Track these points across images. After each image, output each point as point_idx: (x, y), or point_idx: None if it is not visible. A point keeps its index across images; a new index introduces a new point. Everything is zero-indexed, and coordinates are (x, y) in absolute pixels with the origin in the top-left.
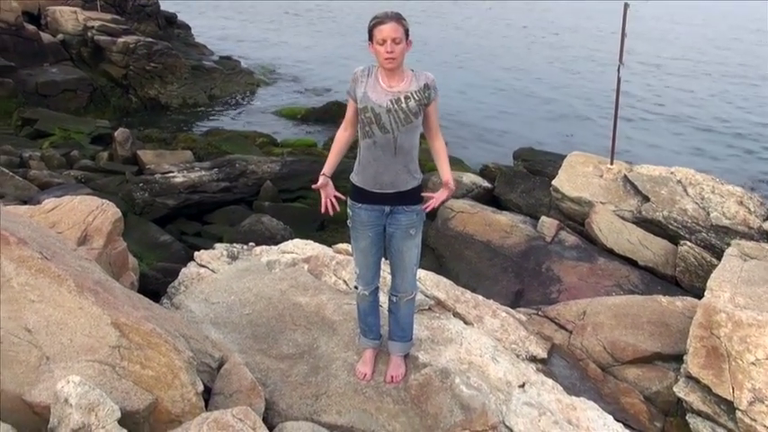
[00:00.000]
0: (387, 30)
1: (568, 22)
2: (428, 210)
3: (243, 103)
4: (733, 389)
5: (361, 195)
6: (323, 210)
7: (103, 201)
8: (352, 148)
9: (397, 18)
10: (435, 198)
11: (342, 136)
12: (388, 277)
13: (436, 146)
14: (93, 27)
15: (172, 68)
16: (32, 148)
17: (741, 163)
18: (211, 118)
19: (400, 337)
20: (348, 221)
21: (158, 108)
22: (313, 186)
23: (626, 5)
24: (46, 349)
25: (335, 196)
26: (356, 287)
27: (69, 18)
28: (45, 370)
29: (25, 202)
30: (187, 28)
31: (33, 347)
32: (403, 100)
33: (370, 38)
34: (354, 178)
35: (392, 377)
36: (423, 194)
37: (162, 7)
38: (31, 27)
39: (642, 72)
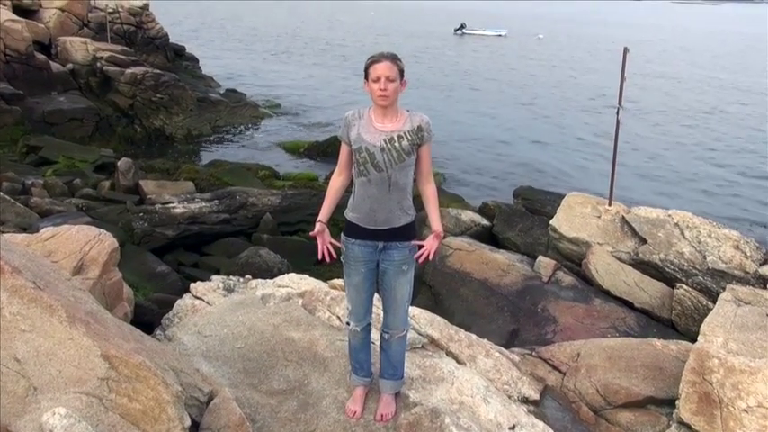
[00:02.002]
0: (381, 68)
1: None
2: (422, 263)
3: (247, 135)
4: None
5: (355, 231)
6: (319, 257)
7: (101, 231)
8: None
9: (393, 58)
10: (427, 249)
11: (336, 182)
12: (381, 313)
13: (427, 191)
14: (102, 57)
15: (178, 100)
16: (36, 176)
17: (739, 205)
18: (215, 149)
19: (391, 375)
20: (341, 257)
21: (163, 138)
22: (310, 234)
23: (625, 49)
24: (34, 380)
25: (331, 243)
26: (348, 323)
27: (79, 48)
28: (32, 401)
29: (25, 230)
30: (195, 60)
31: (21, 378)
32: (396, 139)
33: (366, 76)
34: (349, 214)
35: (382, 415)
36: (413, 243)
37: (171, 39)
38: (41, 56)
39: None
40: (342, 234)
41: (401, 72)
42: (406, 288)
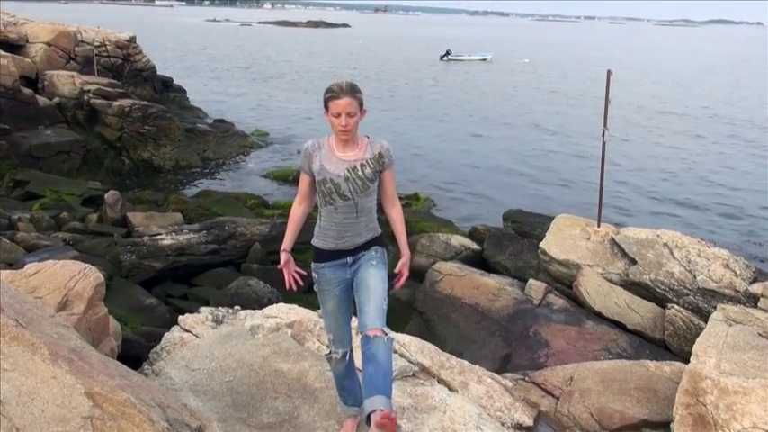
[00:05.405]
0: (341, 104)
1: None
2: (399, 288)
3: (235, 164)
4: None
5: (324, 256)
6: (287, 287)
7: (86, 265)
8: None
9: (352, 92)
10: (402, 275)
11: (297, 210)
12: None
13: (393, 214)
14: (89, 90)
15: (166, 131)
16: (22, 210)
17: (727, 224)
18: (204, 180)
19: (381, 389)
20: (314, 286)
21: (151, 170)
22: (278, 267)
23: (609, 72)
24: (16, 420)
25: (297, 271)
26: (329, 353)
27: (66, 82)
28: None
29: (11, 265)
30: (183, 91)
31: (3, 418)
32: (359, 168)
33: (326, 107)
34: (316, 242)
35: None
36: (394, 271)
37: (158, 71)
38: (27, 91)
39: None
40: (312, 263)
41: (360, 104)
42: (380, 283)
